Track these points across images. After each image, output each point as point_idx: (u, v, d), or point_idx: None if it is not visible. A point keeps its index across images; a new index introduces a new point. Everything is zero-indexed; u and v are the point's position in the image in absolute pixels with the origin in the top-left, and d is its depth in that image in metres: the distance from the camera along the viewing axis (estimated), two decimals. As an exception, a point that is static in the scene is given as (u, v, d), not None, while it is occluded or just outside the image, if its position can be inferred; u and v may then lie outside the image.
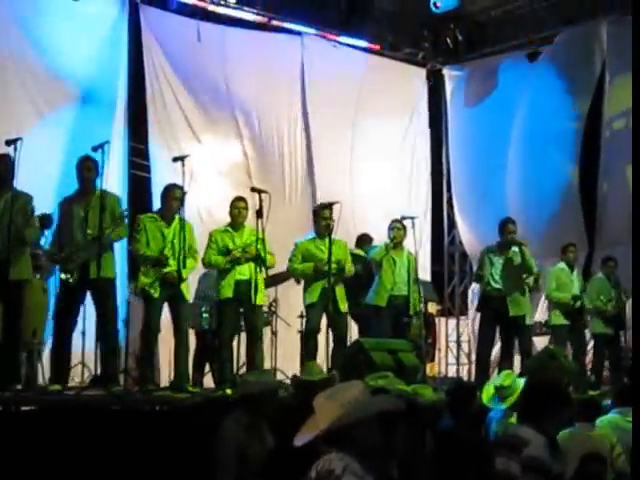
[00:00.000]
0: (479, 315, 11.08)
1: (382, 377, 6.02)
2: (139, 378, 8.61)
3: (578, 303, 10.94)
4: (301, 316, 10.08)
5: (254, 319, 8.87)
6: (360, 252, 10.95)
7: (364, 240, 11.33)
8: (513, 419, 6.45)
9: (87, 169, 8.11)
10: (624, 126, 12.73)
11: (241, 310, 8.92)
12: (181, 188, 8.39)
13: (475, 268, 11.91)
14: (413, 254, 10.40)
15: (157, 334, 8.57)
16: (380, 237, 11.22)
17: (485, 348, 10.51)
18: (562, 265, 11.22)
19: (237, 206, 9.00)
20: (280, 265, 9.51)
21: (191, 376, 9.38)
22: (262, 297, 8.98)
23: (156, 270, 8.35)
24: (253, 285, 8.58)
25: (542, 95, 13.67)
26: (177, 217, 8.49)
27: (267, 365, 9.76)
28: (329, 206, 9.59)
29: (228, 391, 7.72)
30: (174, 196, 8.48)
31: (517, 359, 10.53)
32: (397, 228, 10.28)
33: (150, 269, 8.36)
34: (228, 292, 8.79)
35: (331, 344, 9.29)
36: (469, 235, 14.90)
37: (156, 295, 8.31)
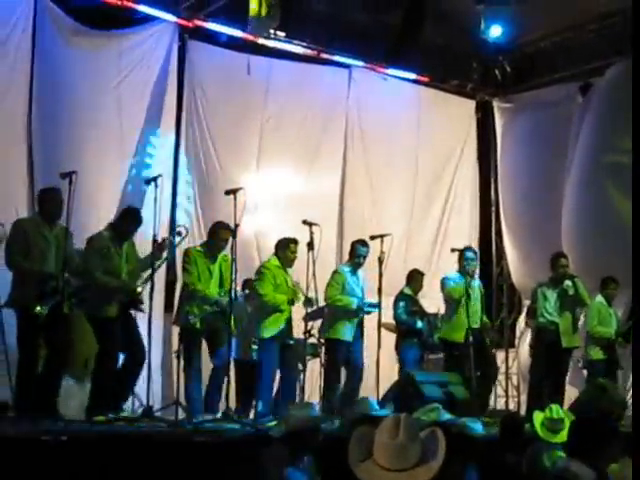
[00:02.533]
0: (529, 348, 11.01)
1: (432, 410, 6.01)
2: (188, 409, 8.64)
3: (620, 338, 10.81)
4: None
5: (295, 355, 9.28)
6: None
7: (415, 276, 11.32)
8: (560, 452, 6.39)
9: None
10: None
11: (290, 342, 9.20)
12: (229, 228, 8.53)
13: (526, 302, 11.83)
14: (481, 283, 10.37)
15: (200, 365, 8.77)
16: (429, 269, 11.24)
17: (537, 380, 10.43)
18: (601, 299, 11.08)
19: (293, 249, 9.28)
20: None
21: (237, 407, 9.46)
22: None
23: (204, 307, 8.53)
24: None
25: (594, 128, 13.41)
26: (222, 254, 8.72)
27: (315, 396, 9.81)
28: (363, 241, 9.86)
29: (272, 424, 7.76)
30: (221, 237, 8.70)
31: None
32: (473, 259, 10.27)
33: (198, 304, 8.54)
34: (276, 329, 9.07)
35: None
36: (518, 267, 14.75)
37: (198, 326, 8.56)
